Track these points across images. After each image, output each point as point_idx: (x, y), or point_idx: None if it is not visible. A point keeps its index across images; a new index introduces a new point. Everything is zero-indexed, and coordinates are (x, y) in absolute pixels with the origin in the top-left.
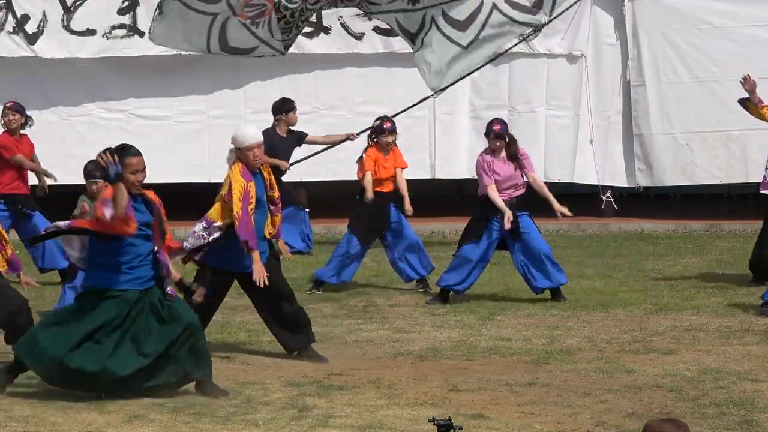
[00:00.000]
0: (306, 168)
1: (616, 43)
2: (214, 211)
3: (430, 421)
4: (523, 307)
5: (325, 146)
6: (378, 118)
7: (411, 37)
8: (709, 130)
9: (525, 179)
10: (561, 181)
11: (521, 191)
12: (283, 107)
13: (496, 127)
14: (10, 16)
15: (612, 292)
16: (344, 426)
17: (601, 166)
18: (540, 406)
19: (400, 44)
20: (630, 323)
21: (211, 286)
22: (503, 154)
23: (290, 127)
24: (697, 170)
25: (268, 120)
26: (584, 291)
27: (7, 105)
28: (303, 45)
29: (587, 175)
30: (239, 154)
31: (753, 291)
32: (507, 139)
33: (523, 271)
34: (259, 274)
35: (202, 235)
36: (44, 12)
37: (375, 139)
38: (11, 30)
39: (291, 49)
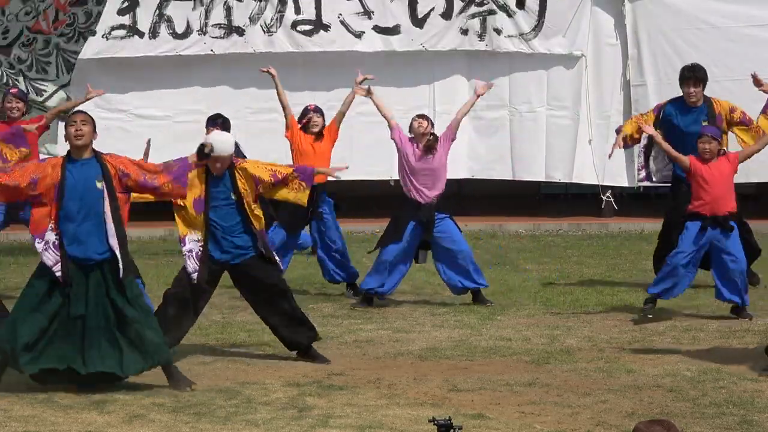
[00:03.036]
0: None
1: (616, 43)
2: (180, 226)
3: (430, 421)
4: (523, 307)
5: None
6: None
7: None
8: None
9: (443, 177)
10: (561, 181)
11: (440, 189)
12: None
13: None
14: None
15: (612, 292)
16: (344, 426)
17: (601, 166)
18: (540, 406)
19: (399, 43)
20: (630, 323)
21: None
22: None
23: None
24: None
25: (268, 120)
26: (584, 291)
27: (11, 91)
28: (302, 43)
29: (587, 175)
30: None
31: (753, 291)
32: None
33: (442, 273)
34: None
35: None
36: None
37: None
38: None
39: (291, 48)
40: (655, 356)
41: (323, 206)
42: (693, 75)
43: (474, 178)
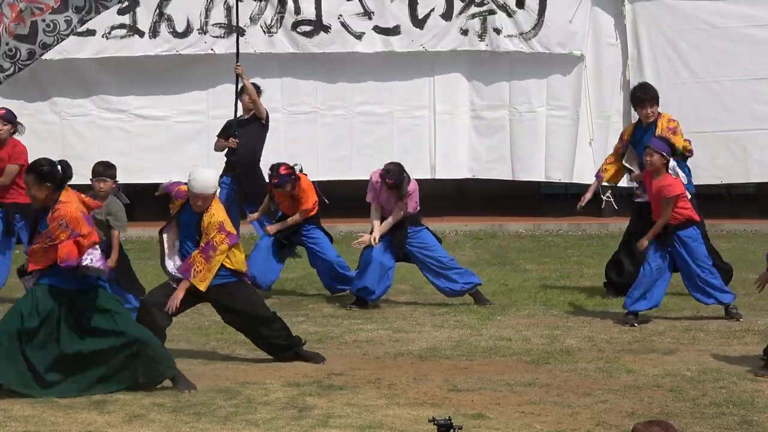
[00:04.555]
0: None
1: (616, 43)
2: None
3: (430, 421)
4: (523, 307)
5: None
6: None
7: None
8: (710, 131)
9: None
10: (561, 181)
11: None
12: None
13: (389, 182)
14: None
15: None
16: (344, 426)
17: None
18: (540, 406)
19: (400, 44)
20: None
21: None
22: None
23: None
24: (697, 170)
25: (270, 120)
26: (584, 291)
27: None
28: (302, 44)
29: (587, 175)
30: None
31: (753, 291)
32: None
33: (432, 282)
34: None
35: None
36: None
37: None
38: None
39: (291, 49)
40: (655, 356)
41: (312, 231)
42: (648, 96)
43: (474, 178)
